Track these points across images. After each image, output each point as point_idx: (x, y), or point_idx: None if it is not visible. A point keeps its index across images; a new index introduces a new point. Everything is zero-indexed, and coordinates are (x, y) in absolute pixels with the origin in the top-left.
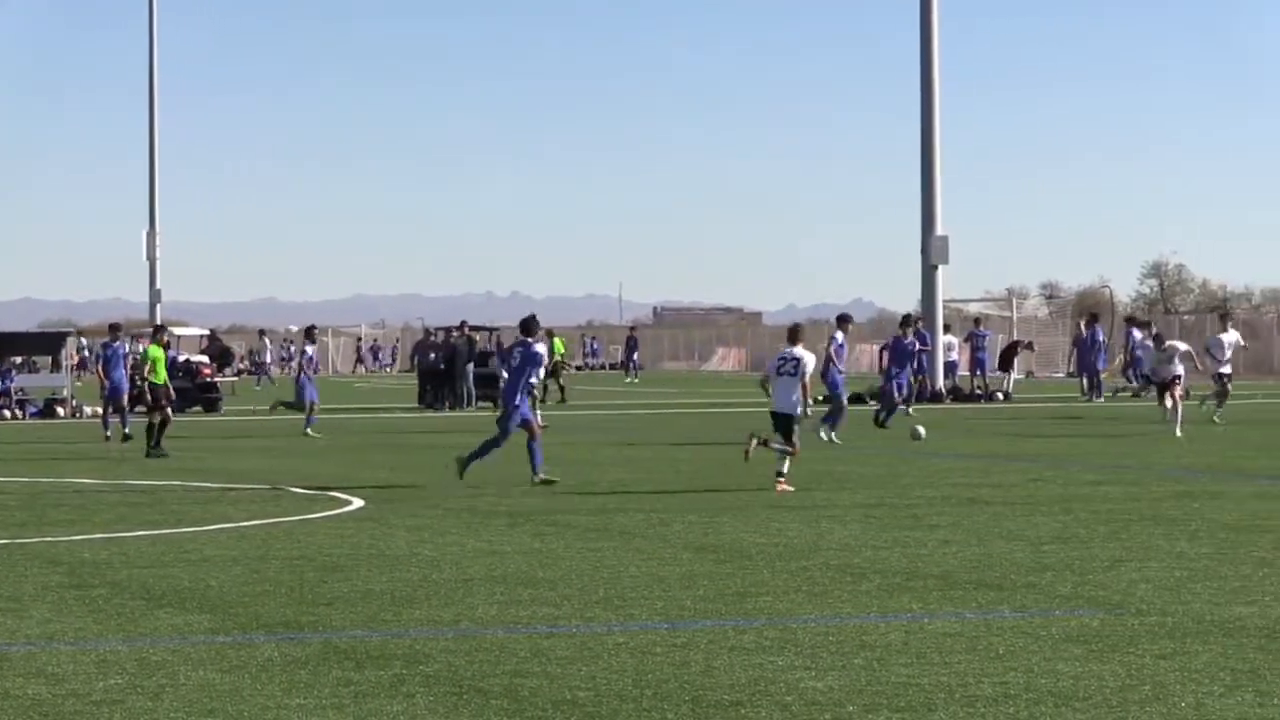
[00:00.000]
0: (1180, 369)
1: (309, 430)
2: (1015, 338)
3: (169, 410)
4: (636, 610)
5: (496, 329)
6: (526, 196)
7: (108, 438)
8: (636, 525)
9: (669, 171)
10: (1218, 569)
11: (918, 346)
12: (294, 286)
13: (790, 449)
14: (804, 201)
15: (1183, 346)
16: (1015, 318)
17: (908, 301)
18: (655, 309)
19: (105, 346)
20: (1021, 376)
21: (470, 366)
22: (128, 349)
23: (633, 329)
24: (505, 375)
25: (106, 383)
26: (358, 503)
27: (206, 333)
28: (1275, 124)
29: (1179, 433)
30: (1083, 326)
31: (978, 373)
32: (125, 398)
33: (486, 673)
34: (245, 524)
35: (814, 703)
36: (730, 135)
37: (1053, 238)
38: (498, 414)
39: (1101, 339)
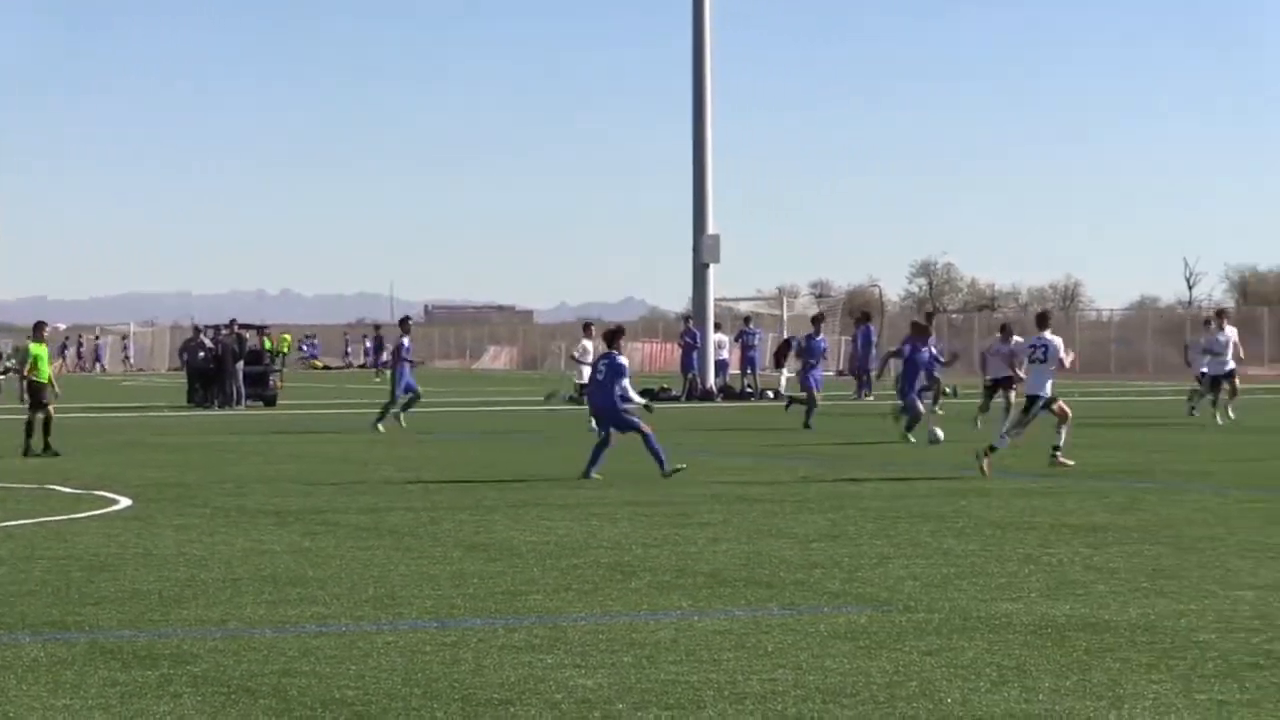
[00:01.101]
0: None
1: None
2: (786, 336)
3: (50, 408)
4: (406, 609)
5: (266, 327)
6: (297, 194)
7: None
8: (406, 524)
9: (442, 169)
10: (984, 566)
11: (690, 343)
12: (62, 284)
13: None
14: (576, 201)
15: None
16: (786, 316)
17: (679, 300)
18: (427, 307)
19: None
20: (792, 375)
21: (240, 365)
22: None
23: (378, 327)
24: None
25: None
26: (125, 502)
27: None
28: (1041, 125)
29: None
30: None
31: (748, 371)
32: None
33: (254, 672)
34: (11, 524)
35: (584, 701)
36: (503, 133)
37: (823, 237)
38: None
39: (873, 338)
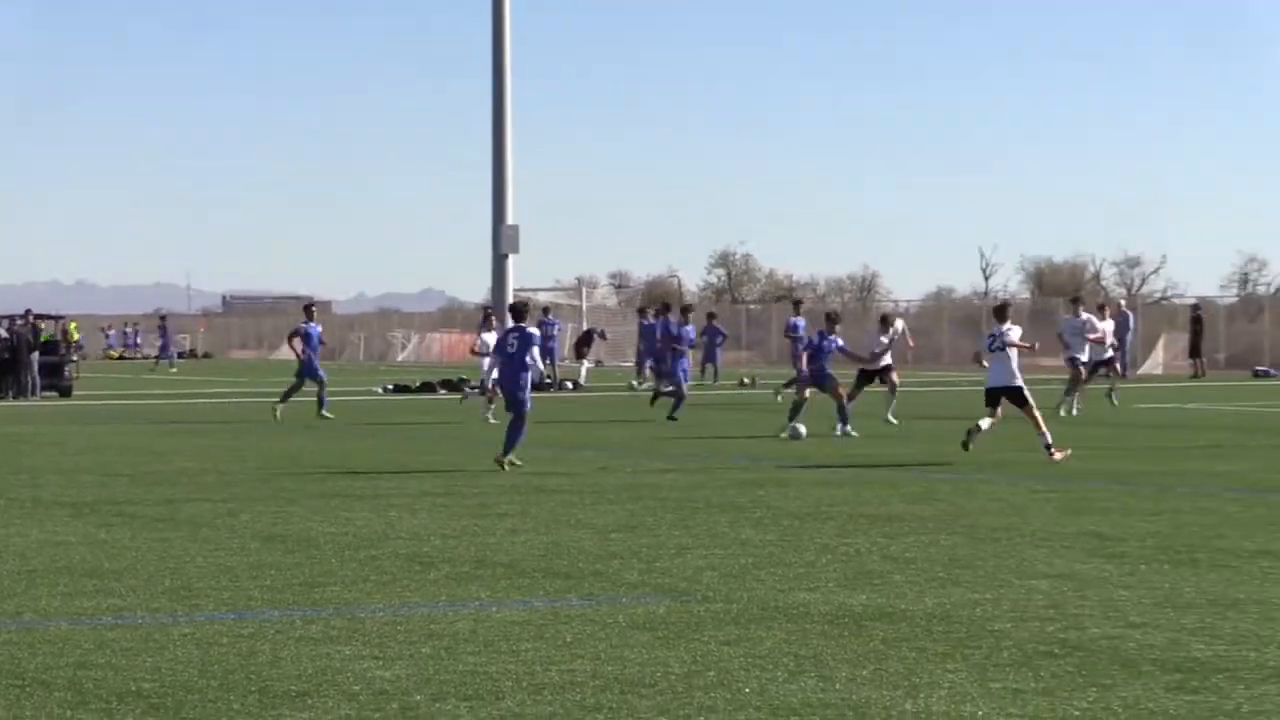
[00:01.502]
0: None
1: None
2: (586, 327)
3: None
4: (203, 601)
5: (62, 317)
6: (91, 185)
7: None
8: (204, 515)
9: (239, 158)
10: (782, 556)
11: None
12: None
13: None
14: (375, 191)
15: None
16: (585, 307)
17: (479, 291)
18: (224, 297)
19: None
20: (593, 365)
21: (35, 355)
22: None
23: (163, 317)
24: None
25: None
26: None
27: None
28: (836, 116)
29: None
30: (653, 316)
31: (548, 362)
32: None
33: (50, 665)
34: None
35: (382, 692)
36: (301, 123)
37: (622, 228)
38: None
39: (672, 329)
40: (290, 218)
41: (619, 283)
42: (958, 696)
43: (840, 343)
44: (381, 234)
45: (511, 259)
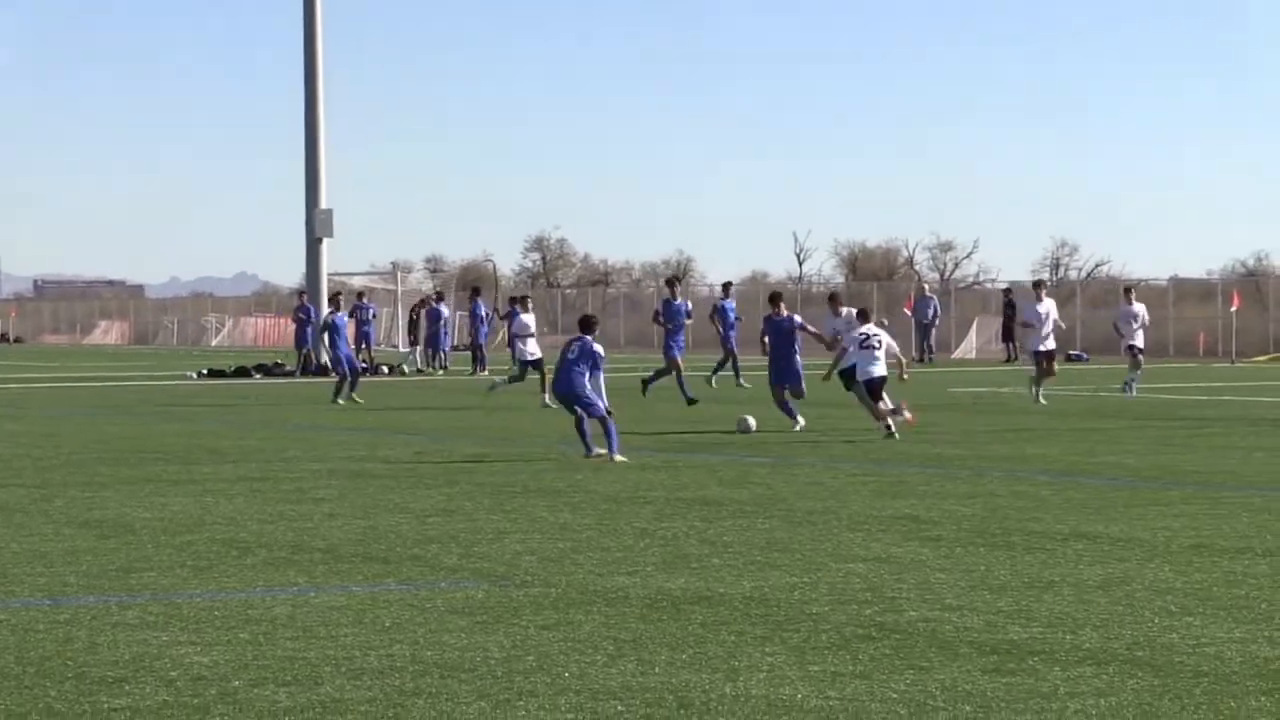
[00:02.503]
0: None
1: None
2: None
3: None
4: (18, 587)
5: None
6: None
7: None
8: (17, 500)
9: (48, 142)
10: (600, 540)
11: (304, 318)
12: None
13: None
14: (187, 174)
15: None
16: (400, 291)
17: (293, 275)
18: (36, 281)
19: None
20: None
21: None
22: None
23: None
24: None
25: None
26: None
27: None
28: (647, 100)
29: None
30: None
31: (364, 345)
32: None
33: None
34: None
35: (200, 678)
36: (111, 106)
37: (436, 212)
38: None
39: (484, 312)
40: (103, 201)
41: (434, 266)
42: (777, 679)
43: (799, 320)
44: (194, 218)
45: (326, 243)
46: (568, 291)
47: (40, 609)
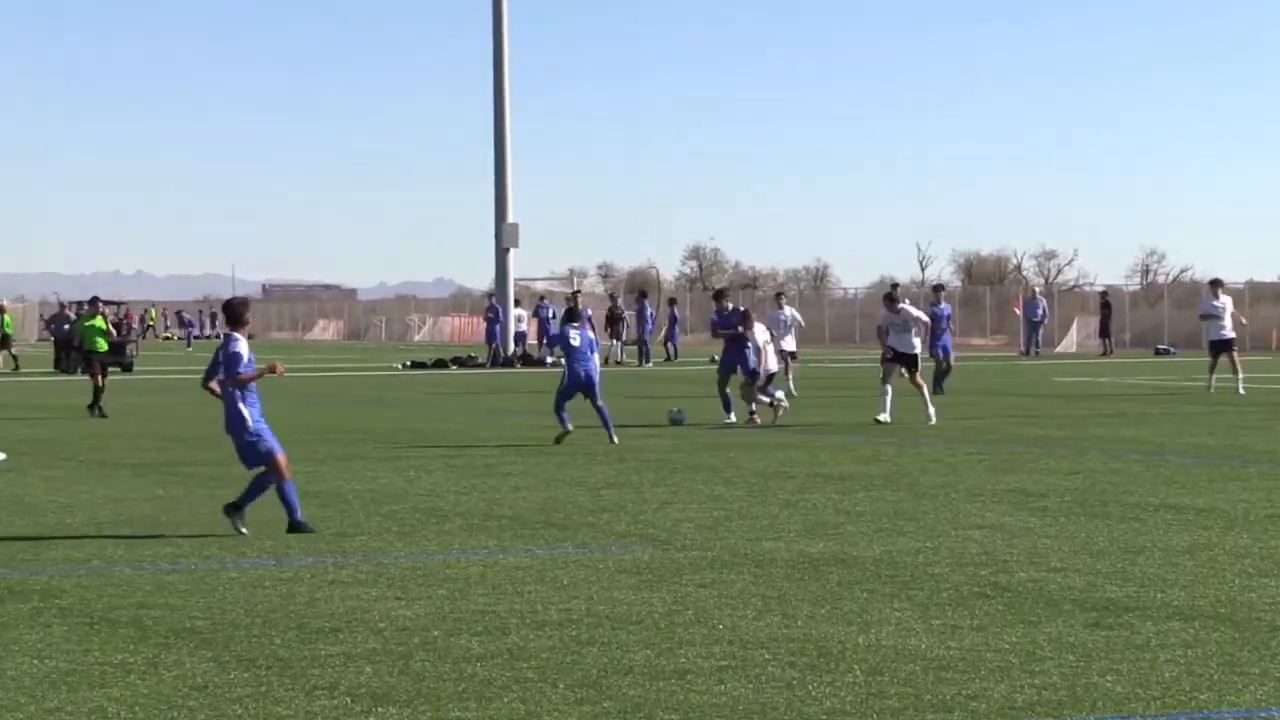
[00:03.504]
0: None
1: None
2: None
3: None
4: (248, 549)
5: (124, 303)
6: (150, 183)
7: None
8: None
9: (279, 161)
10: (750, 509)
11: (493, 317)
12: None
13: None
14: (394, 189)
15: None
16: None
17: (484, 279)
18: (264, 286)
19: None
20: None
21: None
22: None
23: (178, 311)
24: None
25: None
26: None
27: None
28: (797, 117)
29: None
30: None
31: (544, 341)
32: None
33: (115, 605)
34: None
35: (404, 628)
36: (329, 127)
37: (608, 223)
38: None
39: (649, 313)
40: (321, 214)
41: (605, 272)
42: (903, 631)
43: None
44: (400, 228)
45: (512, 251)
46: None
47: (266, 568)
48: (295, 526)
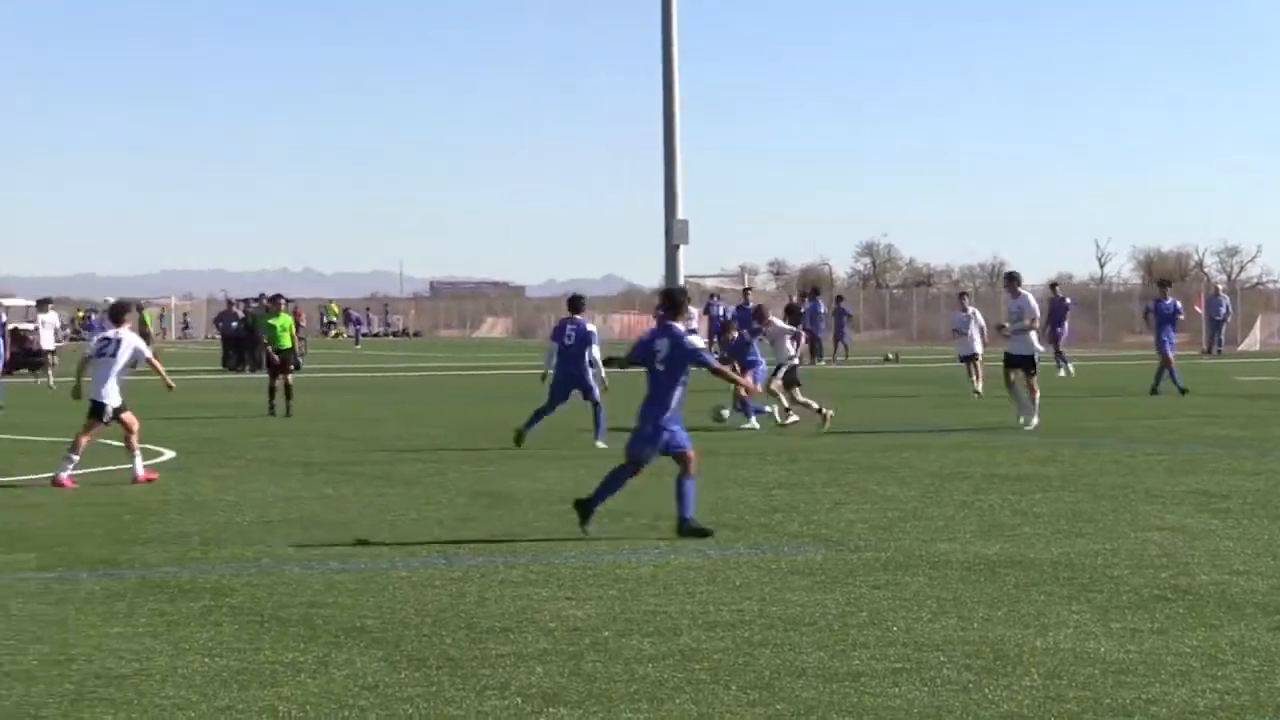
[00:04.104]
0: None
1: None
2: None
3: (289, 376)
4: (418, 548)
5: (292, 300)
6: (317, 181)
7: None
8: (417, 474)
9: (446, 159)
10: (924, 510)
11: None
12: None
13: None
14: (563, 187)
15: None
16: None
17: (654, 277)
18: (432, 283)
19: None
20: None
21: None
22: (4, 319)
23: (346, 310)
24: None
25: None
26: (169, 454)
27: (33, 303)
28: (972, 114)
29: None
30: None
31: (715, 339)
32: None
33: (285, 603)
34: (68, 474)
35: (575, 629)
36: (500, 127)
37: (779, 220)
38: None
39: (821, 310)
40: (490, 210)
41: (777, 269)
42: (1082, 634)
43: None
44: (568, 226)
45: (682, 249)
46: (895, 292)
47: (436, 568)
48: (685, 526)
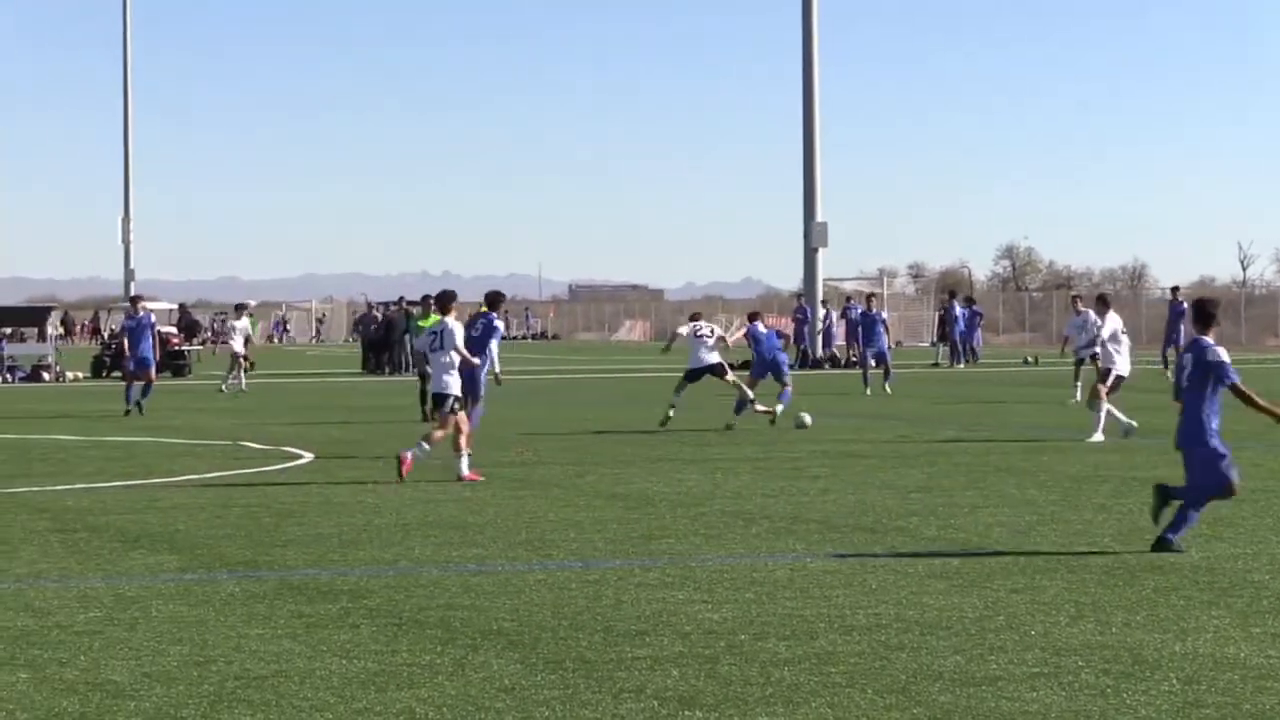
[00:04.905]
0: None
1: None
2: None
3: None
4: (554, 551)
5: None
6: (455, 185)
7: (128, 411)
8: (554, 476)
9: (584, 164)
10: (1063, 514)
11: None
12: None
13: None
14: (702, 191)
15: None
16: (885, 295)
17: (792, 280)
18: (571, 286)
19: (129, 318)
20: (893, 345)
21: (407, 336)
22: (153, 320)
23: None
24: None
25: (130, 355)
26: (308, 457)
27: (176, 307)
28: (1109, 123)
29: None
30: (947, 301)
31: (854, 344)
32: (152, 369)
33: (422, 606)
34: (209, 475)
35: (711, 632)
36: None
37: (918, 222)
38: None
39: (959, 312)
40: (629, 213)
41: (916, 272)
42: (1222, 639)
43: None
44: (707, 228)
45: (820, 251)
46: (1035, 295)
47: (573, 570)
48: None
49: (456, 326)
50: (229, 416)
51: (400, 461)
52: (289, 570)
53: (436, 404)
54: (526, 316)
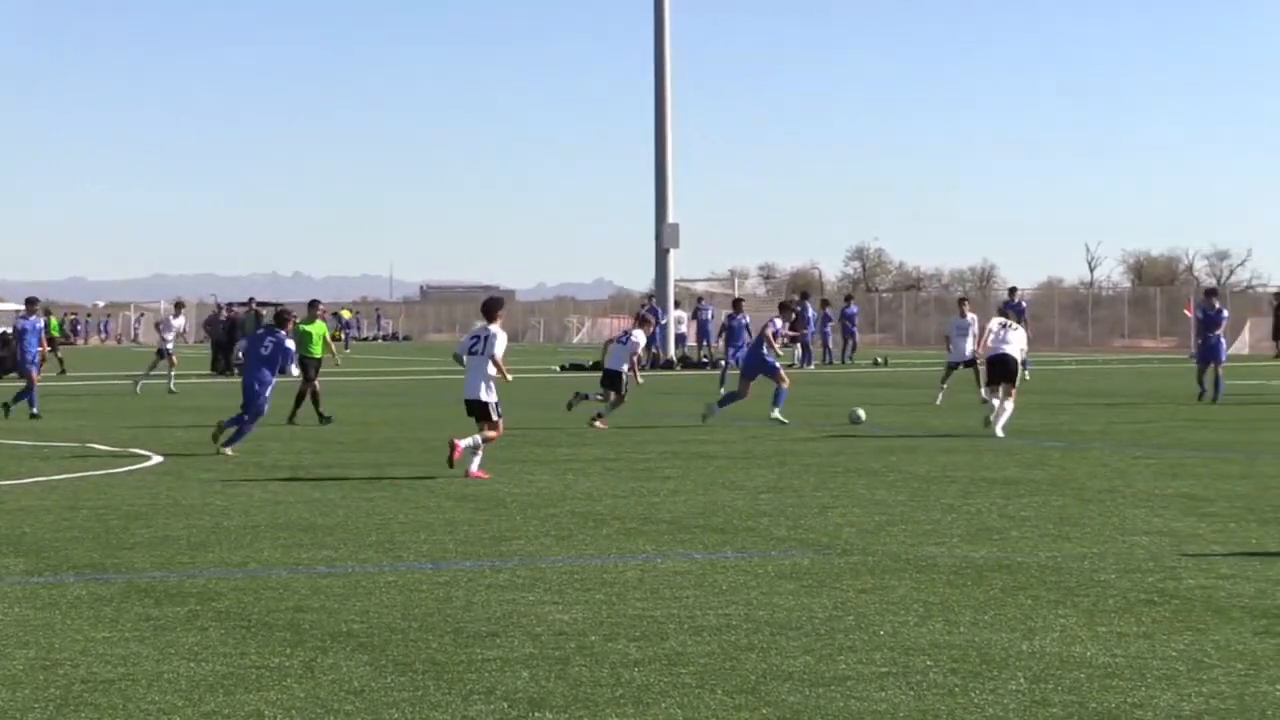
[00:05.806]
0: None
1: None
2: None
3: (317, 382)
4: (404, 552)
5: (280, 304)
6: (307, 188)
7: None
8: (405, 477)
9: (435, 165)
10: (912, 514)
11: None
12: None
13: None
14: (553, 193)
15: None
16: (737, 295)
17: (644, 281)
18: (422, 287)
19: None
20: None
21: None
22: (41, 323)
23: (334, 313)
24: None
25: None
26: (157, 459)
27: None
28: (959, 119)
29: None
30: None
31: (704, 343)
32: (36, 371)
33: (271, 608)
34: (56, 477)
35: (561, 633)
36: (488, 133)
37: (769, 224)
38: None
39: (811, 314)
40: (479, 216)
41: (767, 273)
42: (1068, 638)
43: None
44: (558, 230)
45: (672, 252)
46: (884, 295)
47: (423, 572)
48: None
49: (501, 335)
50: (75, 418)
51: (452, 448)
52: (137, 573)
53: (473, 413)
54: (378, 318)
